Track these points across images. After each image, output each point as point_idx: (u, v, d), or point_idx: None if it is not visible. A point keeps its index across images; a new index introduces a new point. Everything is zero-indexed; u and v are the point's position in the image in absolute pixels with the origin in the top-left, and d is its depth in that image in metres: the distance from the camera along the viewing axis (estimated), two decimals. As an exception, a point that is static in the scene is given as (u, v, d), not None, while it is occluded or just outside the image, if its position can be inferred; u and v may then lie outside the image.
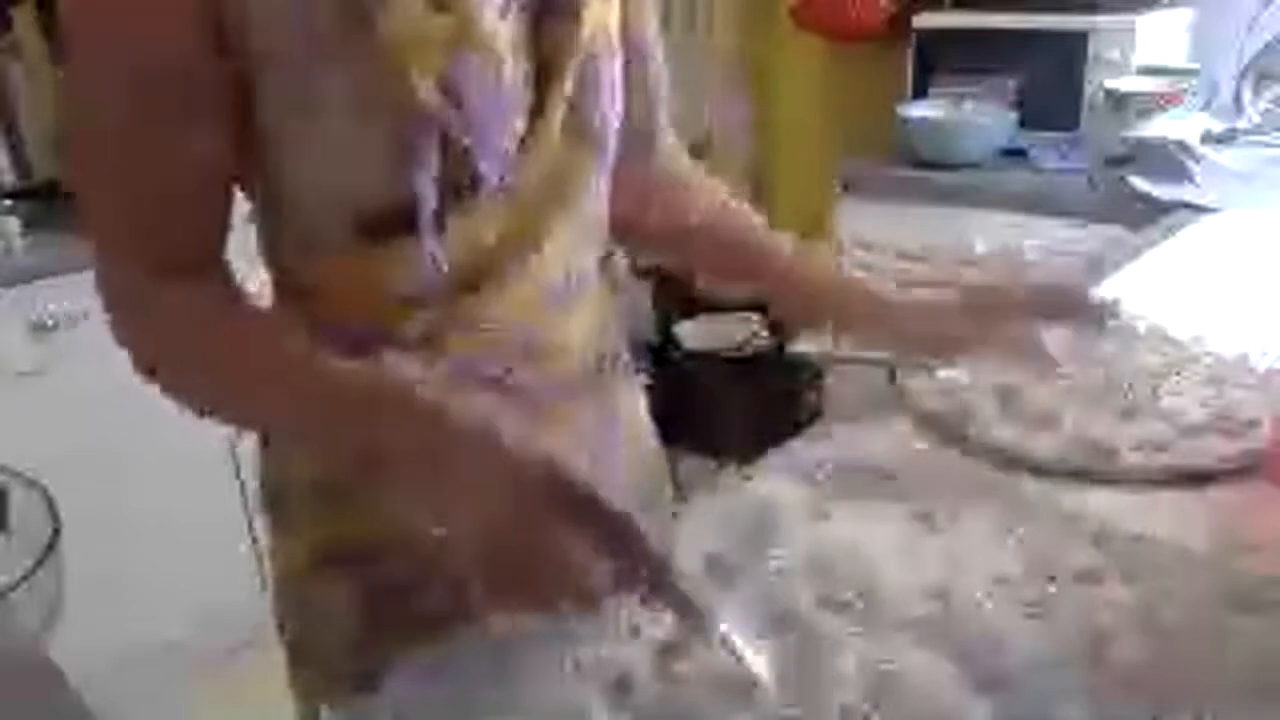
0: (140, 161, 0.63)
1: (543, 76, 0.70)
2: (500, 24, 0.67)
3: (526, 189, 0.71)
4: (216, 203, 0.68)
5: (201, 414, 0.69)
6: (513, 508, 0.57)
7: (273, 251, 0.74)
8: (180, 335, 0.68)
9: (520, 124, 0.70)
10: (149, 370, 0.67)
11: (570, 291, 0.78)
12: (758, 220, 0.93)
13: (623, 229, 0.85)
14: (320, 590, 0.80)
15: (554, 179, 0.73)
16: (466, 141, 0.66)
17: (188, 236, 0.67)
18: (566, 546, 0.56)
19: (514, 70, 0.68)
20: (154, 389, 0.67)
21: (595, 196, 0.78)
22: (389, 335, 0.70)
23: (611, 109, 0.75)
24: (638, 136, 0.85)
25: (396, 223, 0.67)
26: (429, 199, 0.67)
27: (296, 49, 0.62)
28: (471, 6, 0.65)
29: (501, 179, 0.69)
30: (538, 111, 0.70)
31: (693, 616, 0.60)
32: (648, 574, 0.59)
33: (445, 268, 0.69)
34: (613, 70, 0.75)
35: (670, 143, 0.94)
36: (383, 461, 0.62)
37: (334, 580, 0.79)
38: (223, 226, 0.69)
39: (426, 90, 0.63)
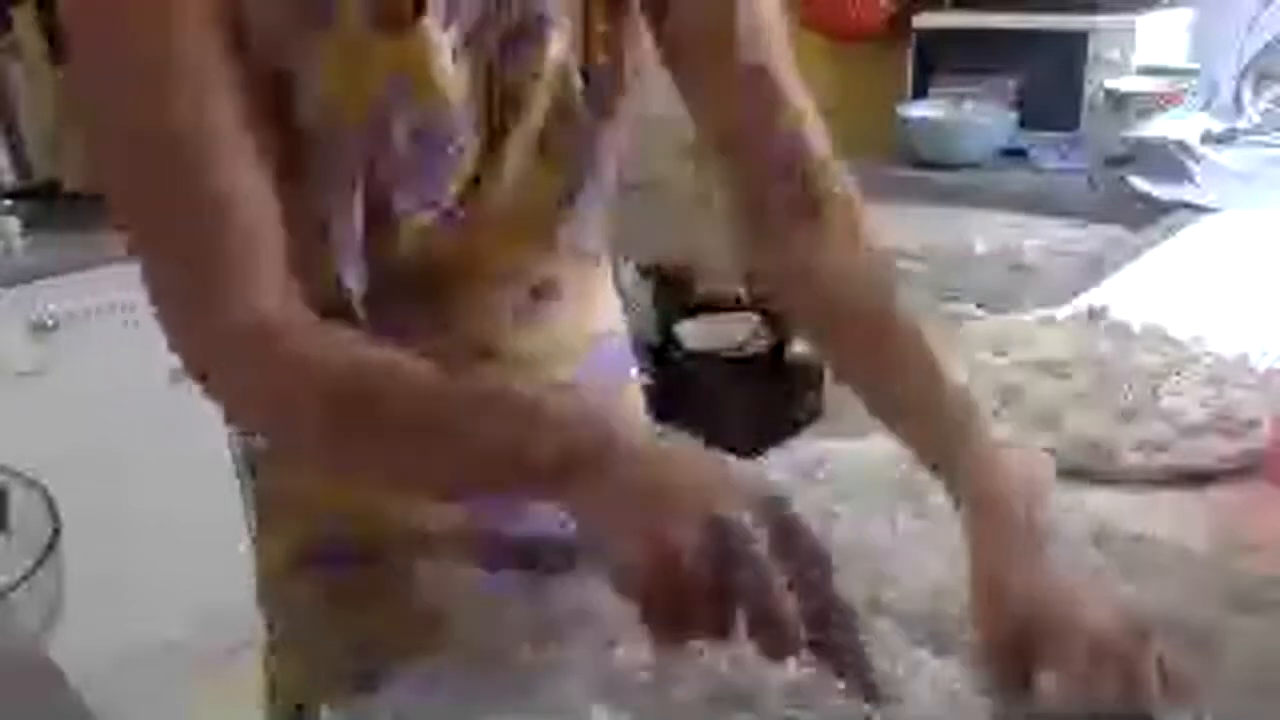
0: (174, 168, 0.59)
1: (507, 104, 0.68)
2: (452, 51, 0.65)
3: (482, 214, 0.69)
4: (258, 205, 0.61)
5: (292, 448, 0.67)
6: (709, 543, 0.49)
7: None
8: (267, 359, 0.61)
9: (474, 151, 0.68)
10: (199, 376, 0.61)
11: (537, 305, 0.77)
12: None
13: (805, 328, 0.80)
14: (300, 590, 0.80)
15: (518, 205, 0.70)
16: (385, 176, 0.64)
17: (240, 240, 0.61)
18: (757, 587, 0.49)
19: (466, 100, 0.66)
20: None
21: (576, 216, 0.74)
22: (351, 324, 0.67)
23: (596, 131, 0.71)
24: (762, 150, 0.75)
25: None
26: (344, 223, 0.65)
27: (263, 42, 0.61)
28: (419, 36, 0.62)
29: (450, 212, 0.68)
30: (498, 140, 0.68)
31: (868, 689, 0.53)
32: (837, 620, 0.52)
33: (355, 290, 0.67)
34: (604, 90, 0.71)
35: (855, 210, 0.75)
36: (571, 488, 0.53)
37: (313, 581, 0.79)
38: (272, 232, 0.61)
39: (352, 117, 0.62)
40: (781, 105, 0.74)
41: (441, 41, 0.64)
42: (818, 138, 0.75)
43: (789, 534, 0.52)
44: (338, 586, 0.79)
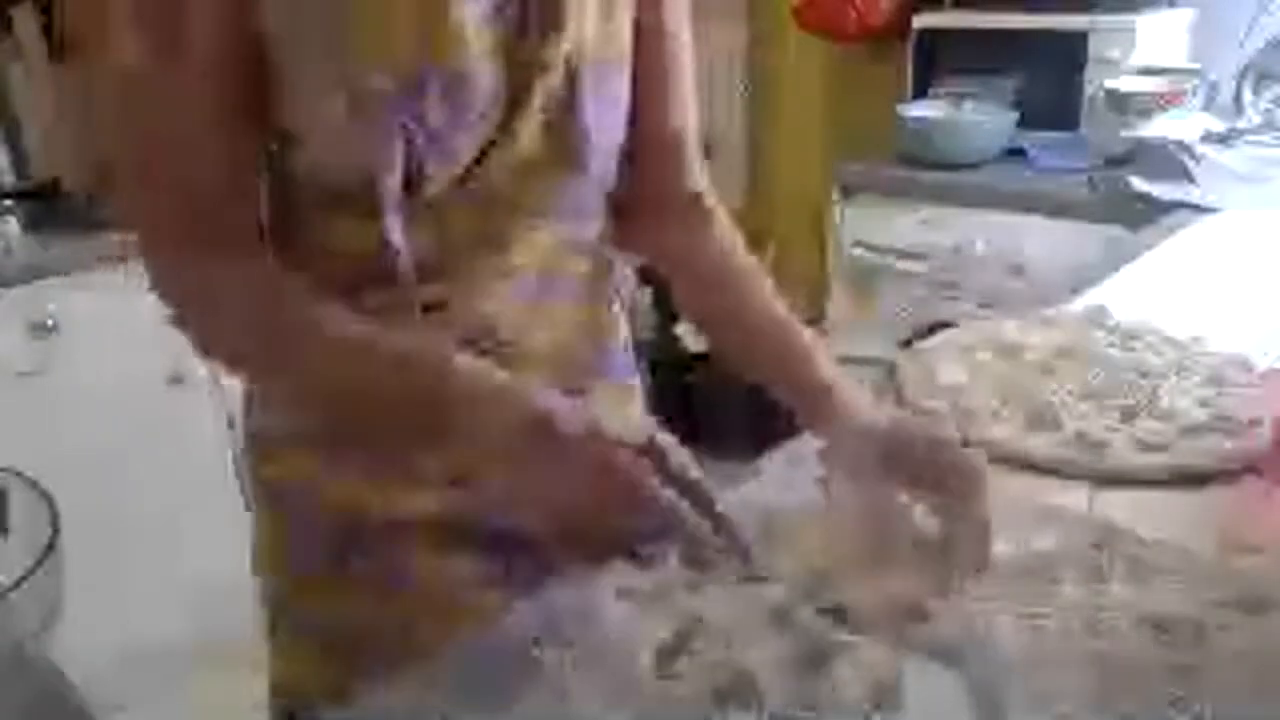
0: (186, 145, 0.67)
1: (520, 84, 0.70)
2: (479, 30, 0.68)
3: (492, 191, 0.72)
4: (251, 179, 0.71)
5: (260, 382, 0.77)
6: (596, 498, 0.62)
7: (268, 214, 0.76)
8: (248, 308, 0.70)
9: (489, 128, 0.70)
10: (204, 350, 0.71)
11: (542, 298, 0.77)
12: (805, 337, 0.83)
13: (679, 299, 0.90)
14: (302, 589, 0.81)
15: (524, 185, 0.73)
16: (419, 140, 0.67)
17: (234, 215, 0.70)
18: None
19: (489, 76, 0.69)
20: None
21: (576, 207, 0.77)
22: (358, 308, 0.71)
23: (597, 123, 0.74)
24: (660, 147, 0.83)
25: (363, 203, 0.68)
26: (388, 188, 0.68)
27: (284, 29, 0.64)
28: (449, 10, 0.66)
29: (463, 180, 0.70)
30: (510, 118, 0.71)
31: (743, 553, 0.65)
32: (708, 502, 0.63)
33: (401, 253, 0.70)
34: (606, 85, 0.74)
35: (709, 199, 0.88)
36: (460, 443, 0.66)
37: (315, 580, 0.79)
38: (256, 201, 0.72)
39: (385, 83, 0.65)
40: (675, 115, 0.83)
41: (472, 25, 0.67)
42: (693, 144, 0.87)
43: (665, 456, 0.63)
44: (336, 585, 0.79)
